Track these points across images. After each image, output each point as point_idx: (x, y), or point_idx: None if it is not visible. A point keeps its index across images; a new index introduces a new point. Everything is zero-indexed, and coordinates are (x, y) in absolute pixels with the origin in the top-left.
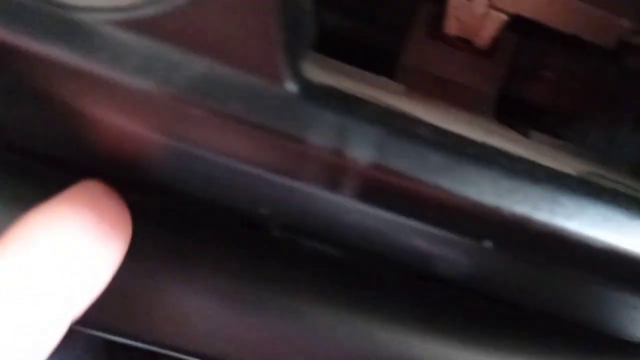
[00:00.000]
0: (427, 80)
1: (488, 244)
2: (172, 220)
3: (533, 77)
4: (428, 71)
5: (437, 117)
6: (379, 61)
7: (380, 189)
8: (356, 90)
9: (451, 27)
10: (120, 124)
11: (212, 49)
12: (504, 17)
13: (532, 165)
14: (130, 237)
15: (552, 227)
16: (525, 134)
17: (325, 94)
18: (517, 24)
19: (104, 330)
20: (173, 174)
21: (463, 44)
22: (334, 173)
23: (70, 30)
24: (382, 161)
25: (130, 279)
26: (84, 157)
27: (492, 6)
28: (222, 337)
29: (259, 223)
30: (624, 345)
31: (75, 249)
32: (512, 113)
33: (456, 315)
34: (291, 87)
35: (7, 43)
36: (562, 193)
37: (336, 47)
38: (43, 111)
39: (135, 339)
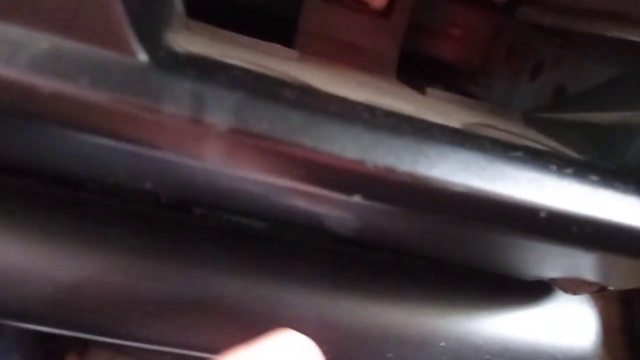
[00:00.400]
0: (328, 45)
1: (357, 197)
2: (68, 203)
3: (433, 34)
4: (328, 36)
5: (327, 79)
6: (283, 29)
7: (243, 153)
8: (243, 58)
9: None
10: None
11: (56, 25)
12: None
13: (399, 119)
14: None
15: (416, 176)
16: (423, 92)
17: (181, 63)
18: None
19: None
20: (48, 157)
21: (360, 6)
22: (193, 140)
23: None
24: (241, 125)
25: (42, 263)
26: None
27: None
28: (135, 313)
29: (157, 201)
30: (521, 283)
31: None
32: (415, 71)
33: (360, 271)
34: (143, 57)
35: None
36: (426, 144)
37: (240, 16)
38: None
39: (58, 327)
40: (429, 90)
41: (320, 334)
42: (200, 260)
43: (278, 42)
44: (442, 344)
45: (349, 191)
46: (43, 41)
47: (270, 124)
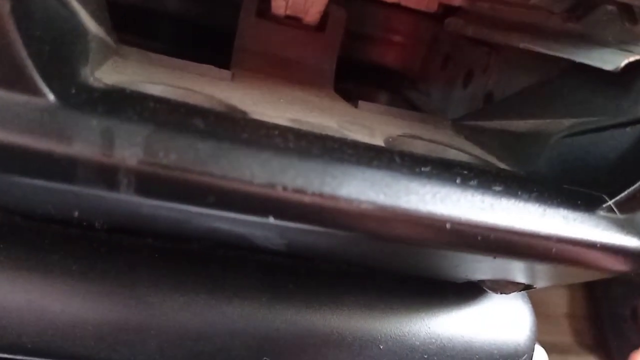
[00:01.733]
0: (263, 60)
1: (271, 219)
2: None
3: (374, 41)
4: (264, 52)
5: (255, 100)
6: (219, 44)
7: (155, 184)
8: (169, 82)
9: (279, 7)
10: None
11: None
12: None
13: (311, 140)
14: None
15: (323, 197)
16: (355, 105)
17: (92, 99)
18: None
19: None
20: None
21: (294, 21)
22: (106, 174)
23: None
24: (150, 158)
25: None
26: None
27: None
28: (81, 333)
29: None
30: (452, 285)
31: None
32: (352, 85)
33: (297, 281)
34: (51, 97)
35: None
36: (334, 164)
37: (179, 34)
38: None
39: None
40: (361, 103)
41: (261, 343)
42: (140, 280)
43: (218, 56)
44: (381, 346)
45: (263, 214)
46: None
47: (178, 155)
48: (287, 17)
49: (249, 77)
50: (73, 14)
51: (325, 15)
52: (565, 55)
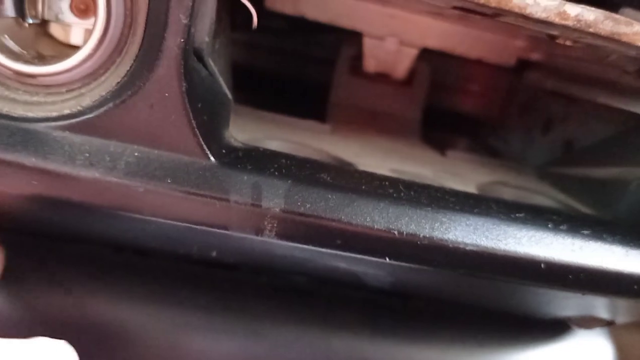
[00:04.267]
0: (357, 113)
1: (387, 259)
2: (148, 272)
3: (454, 91)
4: (356, 105)
5: (356, 151)
6: (317, 99)
7: (293, 229)
8: (284, 137)
9: (369, 65)
10: (80, 208)
11: (143, 139)
12: (414, 51)
13: (418, 190)
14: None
15: (434, 240)
16: (443, 154)
17: (239, 158)
18: (428, 55)
19: None
20: (135, 237)
21: (383, 78)
22: (255, 221)
23: (27, 138)
24: (290, 207)
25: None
26: (61, 231)
27: (402, 43)
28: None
29: (223, 265)
30: (538, 322)
31: None
32: (438, 132)
33: (396, 317)
34: (211, 158)
35: None
36: (442, 212)
37: (278, 89)
38: (20, 203)
39: None
40: (449, 152)
41: None
42: (257, 314)
43: (311, 108)
44: None
45: (380, 255)
46: (135, 152)
47: (312, 204)
48: (377, 73)
49: (345, 129)
50: (219, 85)
51: (411, 71)
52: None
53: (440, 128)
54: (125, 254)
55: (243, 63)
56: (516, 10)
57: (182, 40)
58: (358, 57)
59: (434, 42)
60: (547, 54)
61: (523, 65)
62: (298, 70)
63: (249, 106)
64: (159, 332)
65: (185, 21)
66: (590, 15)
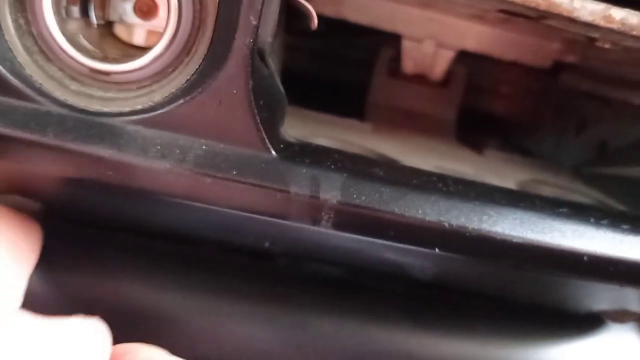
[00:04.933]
0: (394, 113)
1: (437, 250)
2: (200, 262)
3: (487, 92)
4: (394, 105)
5: (398, 149)
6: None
7: (349, 220)
8: (329, 135)
9: (407, 66)
10: (151, 197)
11: (210, 133)
12: (451, 53)
13: (465, 185)
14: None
15: (482, 232)
16: (480, 152)
17: (296, 152)
18: (465, 58)
19: None
20: (195, 226)
21: (420, 79)
22: (313, 212)
23: (103, 132)
24: (346, 199)
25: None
26: (128, 223)
27: (440, 45)
28: (249, 351)
29: (267, 255)
30: (574, 315)
31: None
32: (472, 132)
33: (436, 309)
34: (272, 152)
35: (59, 148)
36: (489, 206)
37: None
38: (92, 192)
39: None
40: (486, 151)
41: None
42: (301, 304)
43: (350, 107)
44: None
45: (431, 246)
46: (202, 145)
47: (367, 197)
48: (415, 75)
49: (384, 128)
50: (277, 83)
51: (448, 73)
52: None
53: (473, 128)
54: (173, 243)
55: (284, 63)
56: (564, 13)
57: (251, 40)
58: (396, 58)
59: (471, 45)
60: (582, 56)
61: (558, 67)
62: (337, 71)
63: (291, 103)
64: (201, 319)
65: (255, 22)
66: (635, 18)
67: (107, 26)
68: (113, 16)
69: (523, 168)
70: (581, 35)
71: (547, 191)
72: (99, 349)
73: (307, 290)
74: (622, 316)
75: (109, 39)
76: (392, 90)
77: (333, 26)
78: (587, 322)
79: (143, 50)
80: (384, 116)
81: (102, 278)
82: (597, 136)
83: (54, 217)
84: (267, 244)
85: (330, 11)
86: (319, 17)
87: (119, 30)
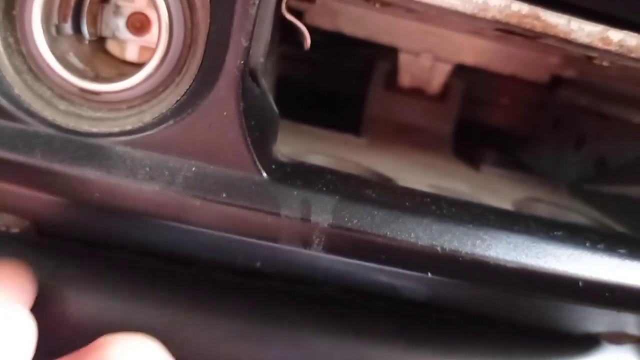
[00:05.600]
0: (391, 126)
1: (429, 274)
2: (191, 280)
3: (485, 103)
4: (390, 118)
5: (393, 165)
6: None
7: (340, 243)
8: (323, 151)
9: (404, 79)
10: (140, 218)
11: (200, 155)
12: (448, 67)
13: (459, 207)
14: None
15: (475, 257)
16: (476, 168)
17: (288, 173)
18: (462, 71)
19: None
20: (185, 246)
21: (417, 92)
22: (304, 235)
23: (92, 153)
24: (338, 222)
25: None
26: (118, 241)
27: (437, 59)
28: None
29: (260, 273)
30: (570, 336)
31: None
32: (469, 145)
33: (430, 328)
34: (263, 174)
35: (47, 169)
36: (483, 229)
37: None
38: (80, 212)
39: None
40: (483, 167)
41: None
42: (294, 324)
43: (345, 119)
44: None
45: (423, 270)
46: (192, 167)
47: (359, 220)
48: (412, 88)
49: (380, 143)
50: (270, 102)
51: (445, 86)
52: None
53: (470, 141)
54: (164, 260)
55: (280, 74)
56: (561, 35)
57: (241, 62)
58: (393, 71)
59: (468, 59)
60: (581, 71)
61: (556, 81)
62: (333, 82)
63: (285, 116)
64: (193, 338)
65: (245, 44)
66: (633, 40)
67: (99, 42)
68: (105, 32)
69: (520, 185)
70: (579, 53)
71: (543, 209)
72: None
73: (301, 309)
74: (619, 338)
75: (100, 55)
76: (389, 103)
77: (330, 37)
78: (583, 344)
79: (135, 65)
80: (380, 129)
81: (91, 295)
82: (596, 152)
83: (43, 233)
84: (258, 264)
85: (326, 24)
86: (316, 29)
87: (111, 46)
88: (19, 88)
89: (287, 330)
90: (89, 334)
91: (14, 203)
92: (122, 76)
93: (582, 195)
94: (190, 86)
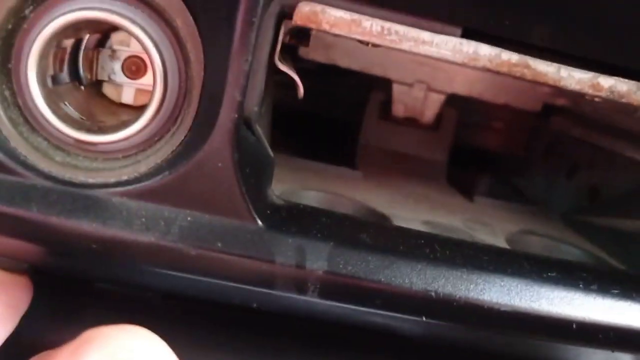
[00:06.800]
0: (385, 156)
1: (423, 318)
2: (187, 315)
3: (478, 140)
4: (385, 148)
5: (388, 199)
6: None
7: (335, 290)
8: (318, 187)
9: (398, 110)
10: (138, 268)
11: (195, 205)
12: (442, 97)
13: (452, 249)
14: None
15: (469, 301)
16: (470, 199)
17: (283, 219)
18: (456, 101)
19: None
20: (181, 289)
21: (411, 122)
22: (299, 282)
23: (88, 205)
24: (333, 269)
25: None
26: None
27: (430, 89)
28: None
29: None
30: None
31: None
32: (463, 172)
33: None
34: (258, 222)
35: (44, 222)
36: (476, 272)
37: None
38: (78, 260)
39: None
40: (476, 198)
41: None
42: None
43: (340, 148)
44: None
45: (418, 314)
46: (187, 217)
47: (354, 266)
48: (406, 118)
49: (375, 175)
50: (264, 147)
51: (439, 116)
52: None
53: (464, 166)
54: (161, 297)
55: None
56: (550, 82)
57: (235, 115)
58: (387, 101)
59: (461, 89)
60: (573, 101)
61: (549, 109)
62: (327, 111)
63: (280, 146)
64: None
65: (239, 99)
66: (624, 86)
67: (95, 86)
68: (102, 75)
69: (513, 217)
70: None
71: (537, 243)
72: None
73: (298, 344)
74: None
75: (96, 99)
76: (383, 133)
77: (324, 67)
78: None
79: (131, 108)
80: (374, 159)
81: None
82: (589, 182)
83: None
84: (254, 305)
85: (320, 56)
86: (310, 62)
87: (108, 90)
88: (15, 141)
89: None
90: None
91: (13, 250)
92: (119, 121)
93: (575, 226)
94: (185, 137)
